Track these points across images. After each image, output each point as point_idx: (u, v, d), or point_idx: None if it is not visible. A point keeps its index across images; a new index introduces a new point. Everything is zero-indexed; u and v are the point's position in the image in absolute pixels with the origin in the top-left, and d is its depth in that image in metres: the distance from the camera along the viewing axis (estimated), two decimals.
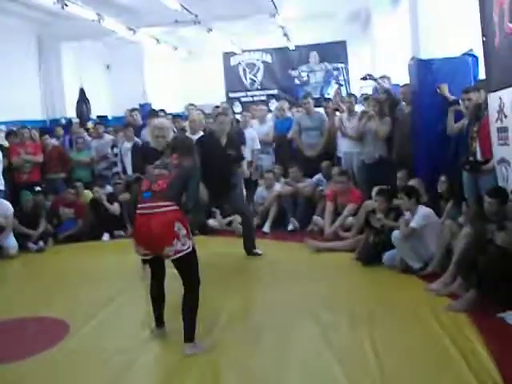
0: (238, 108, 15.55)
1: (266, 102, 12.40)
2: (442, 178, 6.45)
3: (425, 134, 7.18)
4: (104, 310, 5.49)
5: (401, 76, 9.05)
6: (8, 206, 8.39)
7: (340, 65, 16.97)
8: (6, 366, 4.39)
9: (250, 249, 7.01)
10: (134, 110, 10.96)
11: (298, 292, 5.63)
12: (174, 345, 4.42)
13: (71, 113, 13.25)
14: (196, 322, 4.30)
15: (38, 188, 9.18)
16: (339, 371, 3.83)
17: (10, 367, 4.36)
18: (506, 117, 5.25)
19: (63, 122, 12.56)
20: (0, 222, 8.28)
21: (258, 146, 9.20)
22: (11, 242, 8.27)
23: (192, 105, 11.00)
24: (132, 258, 5.31)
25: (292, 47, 16.69)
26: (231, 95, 17.29)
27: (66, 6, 9.85)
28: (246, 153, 9.07)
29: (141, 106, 13.10)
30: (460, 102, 6.55)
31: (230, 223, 8.57)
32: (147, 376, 4.22)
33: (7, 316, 5.59)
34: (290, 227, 8.32)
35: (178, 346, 4.34)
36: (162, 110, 10.73)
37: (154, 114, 9.79)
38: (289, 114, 9.83)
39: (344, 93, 13.56)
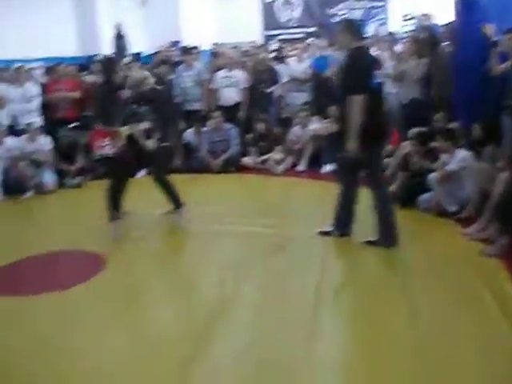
0: (274, 46, 15.28)
1: (303, 40, 12.12)
2: (476, 126, 6.29)
3: (466, 75, 6.96)
4: (139, 244, 5.62)
5: (445, 15, 8.81)
6: (47, 142, 8.57)
7: (380, 3, 16.50)
8: (31, 298, 4.54)
9: None
10: (171, 46, 10.87)
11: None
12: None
13: (107, 49, 13.22)
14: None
15: (74, 124, 9.22)
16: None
17: (35, 300, 4.50)
18: None
19: (99, 58, 12.53)
20: (39, 158, 8.45)
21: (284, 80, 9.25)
22: (49, 178, 8.43)
23: (217, 43, 10.90)
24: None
25: None
26: (267, 33, 17.00)
27: None
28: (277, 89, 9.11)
29: (173, 42, 12.97)
30: (502, 42, 6.33)
31: (264, 161, 8.59)
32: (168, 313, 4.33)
33: (45, 249, 5.74)
34: (324, 170, 8.27)
35: None
36: (195, 48, 10.57)
37: (188, 51, 9.71)
38: (327, 53, 9.63)
39: (384, 32, 13.20)
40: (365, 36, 5.50)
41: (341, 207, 5.30)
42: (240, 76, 9.11)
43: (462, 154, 5.84)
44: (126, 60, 11.14)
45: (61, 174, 8.61)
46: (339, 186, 5.29)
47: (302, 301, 4.17)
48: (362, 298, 4.26)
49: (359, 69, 4.86)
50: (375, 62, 5.08)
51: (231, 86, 9.07)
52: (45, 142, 8.57)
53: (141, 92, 5.85)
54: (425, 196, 6.08)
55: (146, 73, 6.02)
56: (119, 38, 13.19)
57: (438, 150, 6.17)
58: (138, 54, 13.47)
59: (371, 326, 3.78)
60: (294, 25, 16.96)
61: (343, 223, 5.33)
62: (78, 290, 4.65)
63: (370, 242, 5.12)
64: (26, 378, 3.39)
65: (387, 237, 5.06)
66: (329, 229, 5.39)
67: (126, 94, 5.90)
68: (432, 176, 5.92)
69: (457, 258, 4.80)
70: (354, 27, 5.06)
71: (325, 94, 8.96)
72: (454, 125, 6.71)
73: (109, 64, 6.18)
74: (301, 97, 9.19)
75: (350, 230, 5.35)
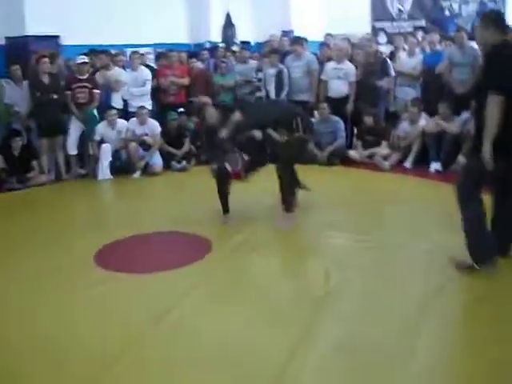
0: (382, 39, 15.01)
1: (413, 34, 11.84)
2: None
3: None
4: (244, 231, 5.68)
5: None
6: (156, 126, 8.84)
7: None
8: (144, 275, 4.74)
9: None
10: (282, 36, 10.93)
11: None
12: None
13: (215, 37, 13.41)
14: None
15: (181, 109, 9.44)
16: None
17: (147, 278, 4.68)
18: None
19: (207, 45, 12.71)
20: (148, 140, 8.72)
21: (393, 74, 9.10)
22: (157, 160, 8.71)
23: (329, 34, 10.79)
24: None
25: None
26: (376, 25, 16.67)
27: None
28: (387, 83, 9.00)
29: (284, 32, 12.97)
30: None
31: (371, 155, 8.46)
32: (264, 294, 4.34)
33: (153, 227, 5.97)
34: (432, 169, 8.04)
35: None
36: (304, 39, 10.47)
37: (298, 41, 9.67)
38: (439, 48, 9.37)
39: None
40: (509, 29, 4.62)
41: (476, 234, 4.44)
42: (350, 68, 8.99)
43: None
44: (235, 48, 11.27)
45: (167, 158, 8.86)
46: (463, 207, 4.42)
47: (408, 299, 4.09)
48: (469, 303, 4.13)
49: (501, 66, 4.27)
50: None
51: (340, 79, 8.97)
52: (154, 126, 8.84)
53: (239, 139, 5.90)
54: None
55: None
56: (228, 26, 13.36)
57: None
58: (247, 42, 13.57)
59: (477, 333, 3.65)
60: (404, 17, 16.58)
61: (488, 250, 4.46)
62: (187, 270, 4.79)
63: None
64: (138, 348, 3.51)
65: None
66: (474, 265, 4.44)
67: (223, 133, 5.79)
68: None
69: None
70: (497, 19, 4.46)
71: (436, 90, 8.73)
72: None
73: (199, 108, 6.26)
74: (411, 92, 8.98)
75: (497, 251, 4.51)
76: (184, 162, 8.84)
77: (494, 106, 4.18)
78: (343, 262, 4.80)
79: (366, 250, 5.12)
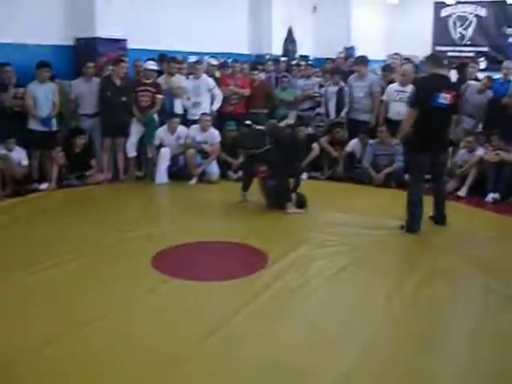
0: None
1: (474, 60, 11.65)
2: None
3: None
4: (301, 246, 5.72)
5: None
6: (216, 134, 8.93)
7: None
8: (204, 283, 4.77)
9: None
10: (344, 52, 10.98)
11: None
12: None
13: (276, 50, 13.53)
14: None
15: (248, 122, 9.48)
16: None
17: (208, 286, 4.73)
18: None
19: (268, 57, 12.82)
20: (206, 149, 8.81)
21: None
22: (214, 169, 8.81)
23: (397, 54, 10.70)
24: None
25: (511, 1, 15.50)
26: (437, 48, 16.49)
27: None
28: None
29: (346, 49, 13.03)
30: None
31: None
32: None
33: (206, 237, 6.02)
34: (488, 199, 7.84)
35: None
36: (366, 57, 10.12)
37: (362, 61, 9.63)
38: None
39: None
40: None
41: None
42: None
43: None
44: (302, 63, 11.29)
45: (224, 167, 8.96)
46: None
47: None
48: None
49: (416, 89, 6.27)
50: (443, 86, 6.00)
51: (402, 101, 8.65)
52: (215, 134, 8.93)
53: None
54: None
55: None
56: (290, 41, 13.48)
57: None
58: (306, 56, 13.65)
59: None
60: (466, 43, 16.39)
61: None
62: (243, 281, 4.83)
63: None
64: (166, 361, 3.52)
65: None
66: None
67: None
68: None
69: None
70: (435, 58, 6.38)
71: (500, 121, 8.53)
72: None
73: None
74: (471, 123, 8.83)
75: None
76: (240, 172, 8.88)
77: (406, 116, 6.34)
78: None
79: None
